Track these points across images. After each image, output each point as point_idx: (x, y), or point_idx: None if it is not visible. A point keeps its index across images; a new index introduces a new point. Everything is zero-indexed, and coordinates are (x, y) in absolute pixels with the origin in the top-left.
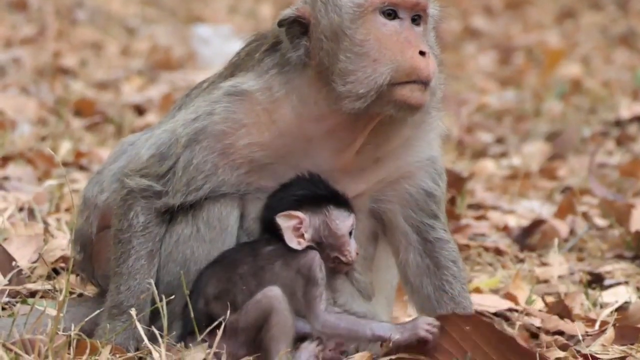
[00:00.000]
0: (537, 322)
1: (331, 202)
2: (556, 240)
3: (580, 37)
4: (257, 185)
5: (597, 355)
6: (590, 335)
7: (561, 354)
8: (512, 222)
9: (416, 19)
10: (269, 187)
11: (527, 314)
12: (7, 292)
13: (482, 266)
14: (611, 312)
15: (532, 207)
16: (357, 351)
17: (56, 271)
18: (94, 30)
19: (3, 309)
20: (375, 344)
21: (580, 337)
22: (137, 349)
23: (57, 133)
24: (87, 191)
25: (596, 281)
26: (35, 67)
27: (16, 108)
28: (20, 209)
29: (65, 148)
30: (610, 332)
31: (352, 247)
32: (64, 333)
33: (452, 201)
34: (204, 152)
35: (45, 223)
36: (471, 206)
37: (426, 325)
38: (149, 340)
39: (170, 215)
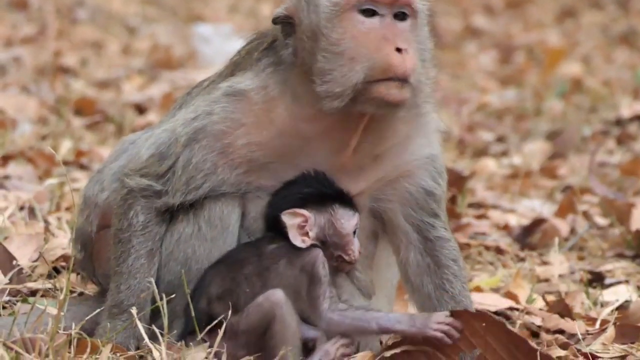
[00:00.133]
0: (537, 321)
1: (337, 201)
2: (557, 239)
3: (580, 36)
4: (257, 184)
5: (598, 354)
6: (591, 334)
7: (562, 352)
8: (513, 221)
9: (400, 15)
10: (269, 187)
11: (528, 313)
12: (7, 291)
13: (483, 265)
14: (612, 310)
15: (533, 206)
16: (357, 350)
17: (57, 270)
18: (94, 29)
19: (4, 307)
20: (375, 341)
21: (581, 336)
22: (137, 348)
23: (57, 132)
24: (87, 190)
25: (597, 280)
26: (35, 66)
27: (17, 107)
28: (21, 208)
29: (65, 147)
30: (610, 331)
31: (355, 247)
32: (64, 332)
33: (452, 200)
34: (203, 151)
35: (46, 222)
36: (472, 205)
37: (436, 325)
38: (150, 339)
39: (170, 215)
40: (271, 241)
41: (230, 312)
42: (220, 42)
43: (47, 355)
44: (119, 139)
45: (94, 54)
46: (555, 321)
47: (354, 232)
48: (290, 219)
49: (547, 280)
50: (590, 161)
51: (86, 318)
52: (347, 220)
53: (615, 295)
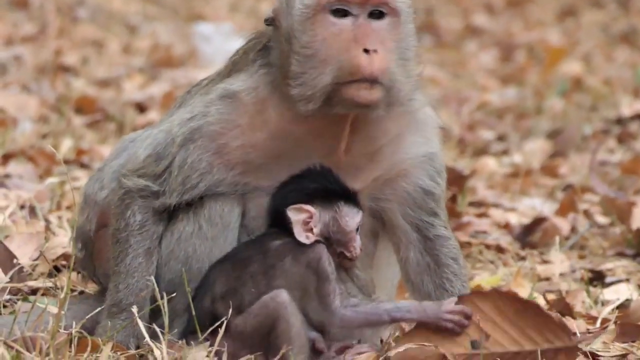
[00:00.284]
0: None
1: (342, 198)
2: (557, 238)
3: (581, 35)
4: (254, 185)
5: (598, 353)
6: (592, 332)
7: None
8: (514, 219)
9: (376, 13)
10: (267, 187)
11: None
12: (8, 290)
13: (484, 264)
14: (612, 309)
15: (534, 204)
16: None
17: (57, 269)
18: (95, 28)
19: (4, 306)
20: (376, 338)
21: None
22: (137, 347)
23: (58, 131)
24: (87, 188)
25: (597, 279)
26: (36, 65)
27: (17, 106)
28: (22, 207)
29: (66, 146)
30: (611, 330)
31: (357, 243)
32: (65, 331)
33: (453, 199)
34: (199, 151)
35: (47, 221)
36: (472, 204)
37: (448, 315)
38: (150, 338)
39: (169, 214)
40: (275, 238)
41: (234, 311)
42: (220, 41)
43: (47, 354)
44: (119, 137)
45: (95, 52)
46: None
47: (357, 229)
48: (295, 215)
49: (547, 279)
50: (591, 160)
51: (87, 317)
52: (352, 218)
53: (616, 294)
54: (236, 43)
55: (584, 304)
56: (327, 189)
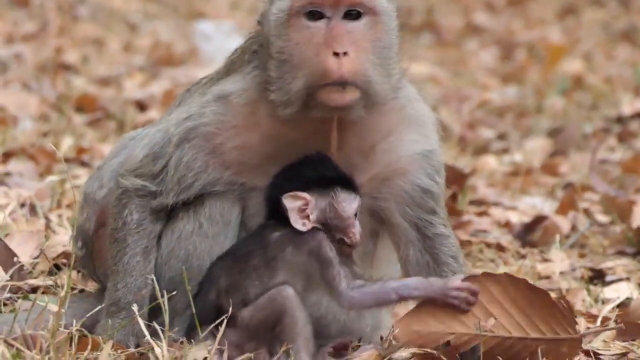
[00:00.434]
0: None
1: (338, 184)
2: (558, 237)
3: (582, 34)
4: (251, 185)
5: (599, 352)
6: (596, 329)
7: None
8: (514, 218)
9: (353, 14)
10: (264, 187)
11: None
12: (8, 288)
13: (484, 262)
14: (613, 308)
15: (534, 203)
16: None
17: (57, 267)
18: (95, 26)
19: (4, 304)
20: (377, 336)
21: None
22: (137, 346)
23: (58, 129)
24: (87, 187)
25: (598, 277)
26: (36, 63)
27: (18, 104)
28: (22, 205)
29: (66, 144)
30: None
31: (356, 229)
32: (65, 329)
33: (453, 197)
34: (194, 150)
35: (47, 219)
36: (473, 202)
37: (454, 291)
38: (150, 336)
39: (166, 213)
40: (274, 229)
41: (239, 304)
42: (221, 39)
43: (47, 352)
44: (120, 136)
45: (95, 51)
46: None
47: (355, 215)
48: (291, 202)
49: (548, 277)
50: (591, 158)
51: (87, 315)
52: (349, 204)
53: (616, 292)
54: (237, 41)
55: (584, 302)
56: (323, 176)
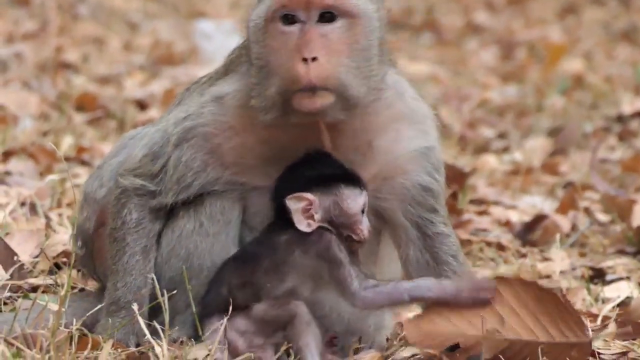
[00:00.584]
0: None
1: (341, 181)
2: (558, 236)
3: (582, 33)
4: (251, 184)
5: (599, 351)
6: (593, 330)
7: None
8: (514, 217)
9: (327, 16)
10: (265, 186)
11: None
12: (8, 287)
13: (484, 261)
14: (613, 307)
15: (534, 202)
16: (359, 343)
17: (58, 266)
18: (96, 25)
19: (5, 303)
20: (380, 336)
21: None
22: (137, 345)
23: (59, 128)
24: (87, 186)
25: (598, 276)
26: (37, 62)
27: (18, 103)
28: (22, 204)
29: (67, 143)
30: (612, 327)
31: (364, 225)
32: (65, 328)
33: (454, 196)
34: (192, 150)
35: (47, 218)
36: (473, 201)
37: (467, 293)
38: (150, 335)
39: (165, 212)
40: (281, 232)
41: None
42: (221, 38)
43: (48, 351)
44: (120, 135)
45: (96, 50)
46: None
47: (363, 211)
48: (294, 204)
49: (548, 276)
50: (591, 158)
51: (87, 314)
52: (354, 200)
53: (617, 291)
54: (236, 41)
55: (585, 301)
56: (324, 174)
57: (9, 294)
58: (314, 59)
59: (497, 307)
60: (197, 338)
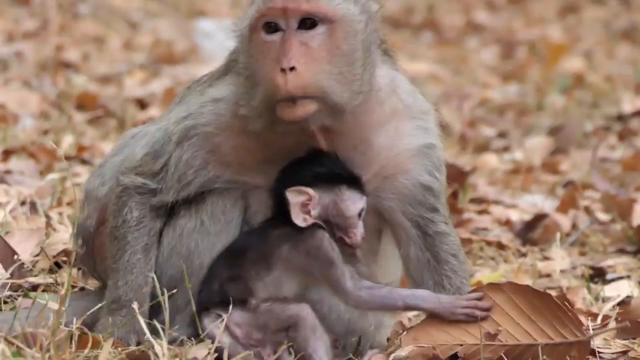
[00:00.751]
0: None
1: (345, 182)
2: (558, 235)
3: (582, 32)
4: (253, 184)
5: (599, 350)
6: (593, 329)
7: None
8: (515, 216)
9: (308, 23)
10: (266, 185)
11: None
12: (9, 286)
13: (484, 260)
14: (613, 306)
15: (535, 201)
16: (358, 345)
17: (58, 265)
18: (96, 24)
19: (5, 302)
20: (380, 335)
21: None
22: (138, 343)
23: (59, 127)
24: (88, 184)
25: (598, 275)
26: (37, 61)
27: (18, 102)
28: (22, 203)
29: (67, 142)
30: (612, 326)
31: (358, 230)
32: (65, 327)
33: (454, 195)
34: (193, 149)
35: (47, 217)
36: (473, 200)
37: (462, 309)
38: (150, 334)
39: (166, 210)
40: (275, 227)
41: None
42: (222, 37)
43: (48, 350)
44: (120, 134)
45: (96, 48)
46: None
47: (360, 216)
48: (294, 197)
49: (548, 275)
50: (592, 157)
51: (87, 313)
52: (353, 203)
53: (617, 290)
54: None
55: (585, 300)
56: (330, 172)
57: (9, 293)
58: (292, 68)
59: (492, 314)
60: (196, 337)
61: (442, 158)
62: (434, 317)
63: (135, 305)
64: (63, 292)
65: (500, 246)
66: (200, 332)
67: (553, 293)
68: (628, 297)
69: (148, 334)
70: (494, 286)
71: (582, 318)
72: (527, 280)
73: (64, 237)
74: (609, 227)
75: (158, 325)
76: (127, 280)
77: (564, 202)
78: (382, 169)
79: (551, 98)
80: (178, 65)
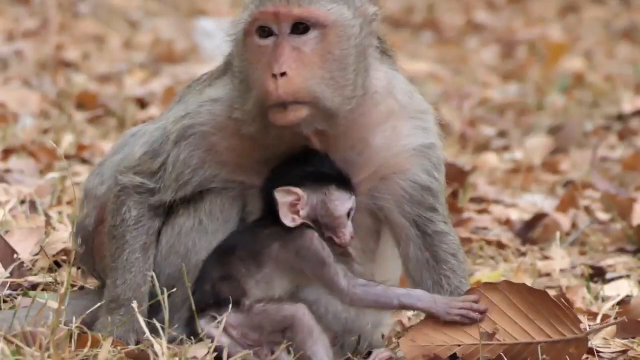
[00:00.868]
0: None
1: (333, 182)
2: (558, 234)
3: (582, 32)
4: (250, 183)
5: (599, 349)
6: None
7: None
8: (514, 215)
9: (300, 27)
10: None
11: None
12: (8, 285)
13: (484, 259)
14: (613, 305)
15: (534, 200)
16: (357, 344)
17: (57, 264)
18: (96, 23)
19: (4, 301)
20: (378, 334)
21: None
22: (137, 342)
23: (59, 126)
24: (87, 183)
25: (598, 275)
26: (37, 60)
27: (18, 101)
28: (22, 202)
29: (67, 141)
30: (611, 326)
31: (347, 230)
32: (65, 326)
33: (454, 194)
34: (190, 148)
35: (47, 216)
36: (473, 200)
37: (457, 310)
38: (150, 332)
39: (164, 209)
40: (265, 226)
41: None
42: (222, 36)
43: (47, 349)
44: (120, 133)
45: (96, 48)
46: None
47: (349, 215)
48: (282, 197)
49: (548, 274)
50: (591, 156)
51: (87, 312)
52: (341, 203)
53: (617, 290)
54: None
55: (584, 299)
56: (318, 172)
57: (8, 292)
58: (282, 74)
59: (489, 314)
60: (195, 336)
61: (442, 157)
62: (431, 318)
63: (134, 304)
64: (62, 291)
65: (500, 245)
66: (198, 332)
67: (552, 292)
68: (628, 296)
69: (147, 333)
70: (490, 285)
71: (581, 316)
72: (526, 280)
73: (63, 236)
74: (609, 227)
75: (157, 324)
76: (126, 279)
77: (564, 202)
78: (379, 168)
79: (551, 97)
80: (178, 65)
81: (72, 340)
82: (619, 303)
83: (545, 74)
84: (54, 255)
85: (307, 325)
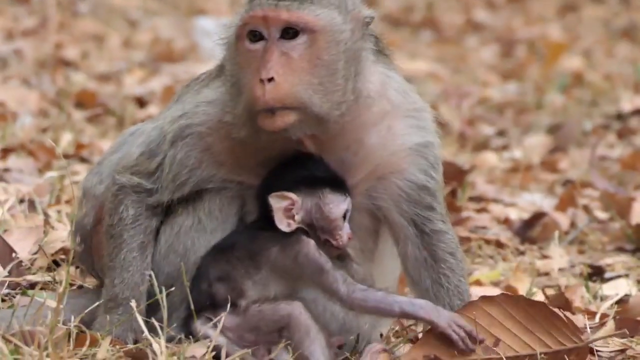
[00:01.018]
0: None
1: (327, 185)
2: (557, 233)
3: (582, 31)
4: (249, 183)
5: (597, 348)
6: (591, 327)
7: None
8: (513, 214)
9: (290, 32)
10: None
11: None
12: (7, 284)
13: (483, 259)
14: (611, 304)
15: (533, 199)
16: (356, 343)
17: (56, 263)
18: (95, 22)
19: (3, 300)
20: (376, 333)
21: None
22: (135, 341)
23: (58, 125)
24: (86, 182)
25: (597, 274)
26: (36, 59)
27: (17, 100)
28: (21, 201)
29: (66, 140)
30: (610, 325)
31: (344, 232)
32: (63, 325)
33: (453, 193)
34: (187, 148)
35: (46, 215)
36: (472, 199)
37: (456, 327)
38: (148, 331)
39: (162, 209)
40: (264, 228)
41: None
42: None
43: (46, 348)
44: (119, 132)
45: (95, 46)
46: None
47: (345, 217)
48: (277, 202)
49: (547, 273)
50: (591, 155)
51: (85, 311)
52: (336, 205)
53: (615, 289)
54: None
55: (583, 299)
56: (312, 175)
57: (7, 291)
58: (270, 79)
59: (488, 328)
60: (192, 336)
61: (439, 156)
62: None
63: (133, 304)
64: (61, 290)
65: (499, 244)
66: (196, 333)
67: (551, 291)
68: (626, 295)
69: (146, 332)
70: (487, 299)
71: (580, 317)
72: (525, 279)
73: (62, 235)
74: (608, 226)
75: (156, 324)
76: (124, 278)
77: (563, 201)
78: (376, 168)
79: (550, 96)
80: (177, 64)
81: (71, 340)
82: (617, 302)
83: (545, 73)
84: (52, 254)
85: (304, 325)
